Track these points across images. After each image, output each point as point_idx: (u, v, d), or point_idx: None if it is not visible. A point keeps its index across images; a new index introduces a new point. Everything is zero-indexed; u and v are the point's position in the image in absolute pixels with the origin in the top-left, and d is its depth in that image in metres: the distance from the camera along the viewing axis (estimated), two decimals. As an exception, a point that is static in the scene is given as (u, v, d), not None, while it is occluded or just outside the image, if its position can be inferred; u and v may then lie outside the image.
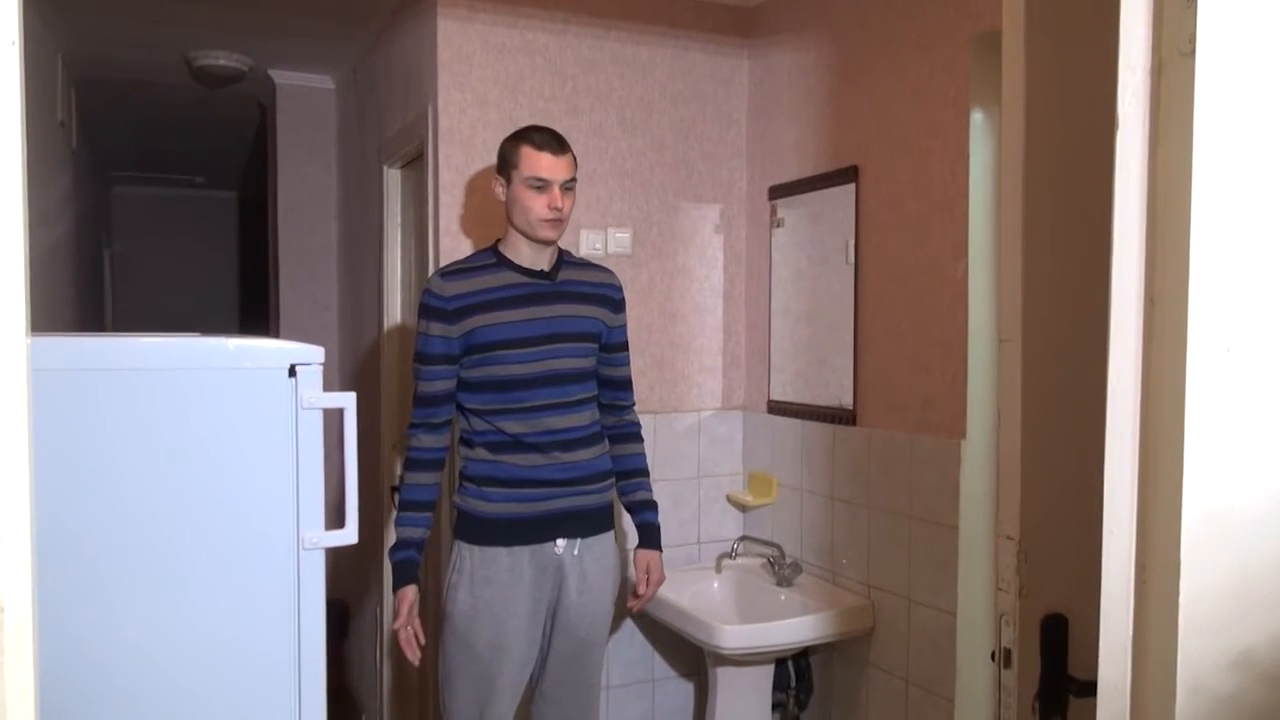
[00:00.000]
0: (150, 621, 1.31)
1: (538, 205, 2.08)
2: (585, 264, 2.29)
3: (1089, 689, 1.00)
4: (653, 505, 2.31)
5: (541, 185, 2.08)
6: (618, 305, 2.28)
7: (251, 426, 1.38)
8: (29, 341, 0.61)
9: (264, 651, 1.38)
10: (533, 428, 2.11)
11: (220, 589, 1.36)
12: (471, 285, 2.10)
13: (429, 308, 2.09)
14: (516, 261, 2.15)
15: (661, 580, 2.30)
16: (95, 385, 1.29)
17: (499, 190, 2.16)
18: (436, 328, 2.09)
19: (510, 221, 2.15)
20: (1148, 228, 0.83)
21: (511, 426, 2.10)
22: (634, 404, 2.35)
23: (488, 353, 2.08)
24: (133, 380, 1.32)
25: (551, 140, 2.11)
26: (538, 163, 2.08)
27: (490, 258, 2.17)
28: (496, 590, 2.08)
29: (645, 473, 2.33)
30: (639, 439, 2.34)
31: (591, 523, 2.18)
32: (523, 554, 2.10)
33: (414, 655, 2.07)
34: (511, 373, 2.09)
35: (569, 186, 2.11)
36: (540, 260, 2.16)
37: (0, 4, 0.60)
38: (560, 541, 2.13)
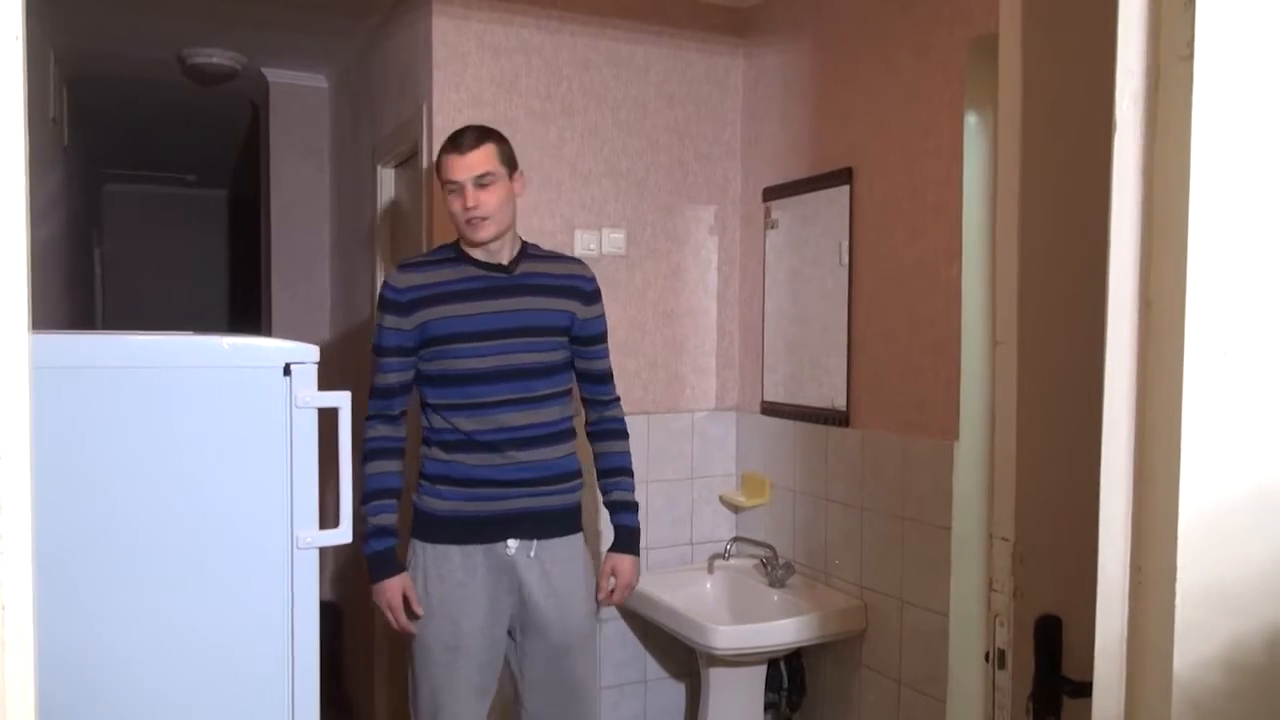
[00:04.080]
0: (142, 621, 1.31)
1: (455, 208, 2.06)
2: (552, 256, 2.24)
3: (1083, 689, 1.00)
4: (631, 506, 2.23)
5: (453, 187, 2.05)
6: (589, 296, 2.21)
7: (246, 425, 1.38)
8: (30, 338, 0.61)
9: (257, 651, 1.38)
10: (487, 425, 2.08)
11: (213, 588, 1.35)
12: (426, 278, 2.09)
13: (384, 299, 2.10)
14: (474, 255, 2.13)
15: (631, 585, 2.22)
16: (88, 383, 1.29)
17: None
18: (390, 320, 2.08)
19: None
20: (1144, 230, 0.83)
21: (465, 424, 2.08)
22: (617, 398, 2.28)
23: (441, 346, 2.07)
24: (127, 378, 1.31)
25: (459, 140, 2.07)
26: (446, 166, 2.06)
27: (450, 252, 2.15)
28: (450, 589, 2.06)
29: (626, 471, 2.25)
30: (622, 435, 2.27)
31: (550, 524, 2.13)
32: (475, 552, 2.08)
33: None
34: (466, 366, 2.07)
35: (483, 182, 2.05)
36: (499, 254, 2.13)
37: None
38: (512, 542, 2.09)
